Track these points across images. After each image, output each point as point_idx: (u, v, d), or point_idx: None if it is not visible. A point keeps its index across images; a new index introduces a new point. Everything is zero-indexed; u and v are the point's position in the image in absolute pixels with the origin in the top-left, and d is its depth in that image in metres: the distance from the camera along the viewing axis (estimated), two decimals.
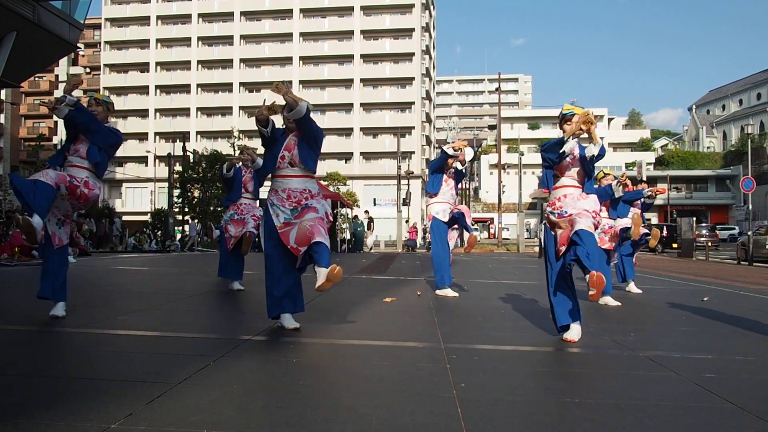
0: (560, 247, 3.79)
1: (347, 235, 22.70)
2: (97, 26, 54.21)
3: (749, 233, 17.49)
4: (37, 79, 54.28)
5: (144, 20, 52.43)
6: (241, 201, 6.57)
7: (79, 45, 14.41)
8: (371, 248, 24.30)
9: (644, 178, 44.26)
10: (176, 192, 31.20)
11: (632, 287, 7.09)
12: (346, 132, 49.60)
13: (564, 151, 3.83)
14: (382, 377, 2.67)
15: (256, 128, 4.11)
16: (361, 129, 49.27)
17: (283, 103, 3.95)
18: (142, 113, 51.77)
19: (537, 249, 21.43)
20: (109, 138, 4.20)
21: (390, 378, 2.66)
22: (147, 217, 34.92)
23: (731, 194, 47.39)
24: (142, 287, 6.36)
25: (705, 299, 6.15)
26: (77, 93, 4.53)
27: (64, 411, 2.07)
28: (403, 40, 49.58)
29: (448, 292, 6.12)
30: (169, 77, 52.10)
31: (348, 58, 50.20)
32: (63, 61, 52.42)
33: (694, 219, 21.89)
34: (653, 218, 48.62)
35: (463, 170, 6.53)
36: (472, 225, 6.45)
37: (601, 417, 2.21)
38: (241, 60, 51.40)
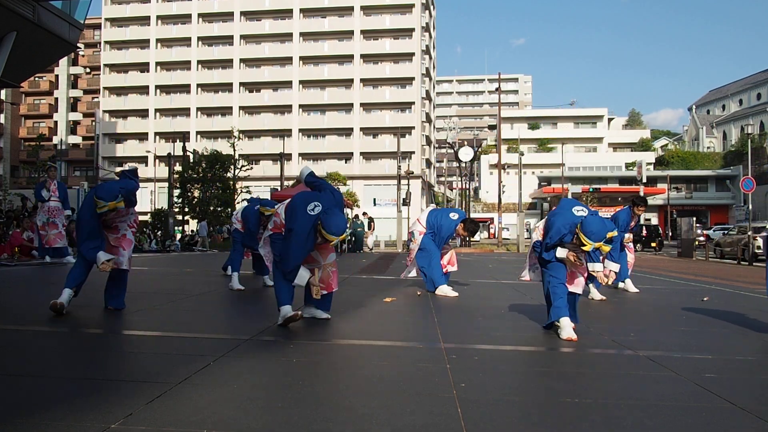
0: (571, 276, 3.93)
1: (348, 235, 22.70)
2: (97, 26, 54.19)
3: (749, 233, 17.50)
4: (37, 79, 54.22)
5: (144, 20, 52.42)
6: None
7: (79, 45, 14.41)
8: (371, 248, 24.30)
9: (644, 179, 44.34)
10: (176, 192, 31.20)
11: (629, 285, 7.11)
12: (346, 132, 49.60)
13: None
14: (382, 377, 2.67)
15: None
16: (361, 129, 49.27)
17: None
18: (142, 113, 51.77)
19: None
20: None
21: (390, 378, 2.66)
22: (147, 217, 34.96)
23: (731, 194, 47.39)
24: (142, 287, 6.36)
25: (705, 299, 6.14)
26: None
27: (64, 411, 2.07)
28: (403, 40, 49.59)
29: (448, 291, 6.11)
30: (169, 77, 52.10)
31: (348, 58, 50.20)
32: (63, 61, 52.46)
33: (694, 219, 21.89)
34: (653, 219, 48.65)
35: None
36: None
37: (601, 417, 2.21)
38: (241, 60, 51.40)
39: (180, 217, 30.54)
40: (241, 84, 51.13)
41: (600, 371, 2.99)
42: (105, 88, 52.20)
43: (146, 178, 47.35)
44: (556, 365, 3.21)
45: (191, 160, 32.04)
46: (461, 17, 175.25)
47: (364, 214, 25.24)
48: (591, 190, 43.28)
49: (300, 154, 47.91)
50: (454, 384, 2.56)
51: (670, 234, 40.17)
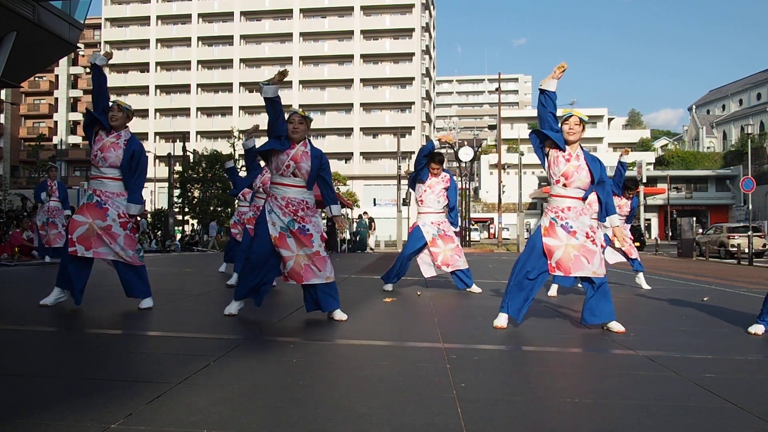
0: (551, 262, 3.95)
1: (347, 236, 22.71)
2: (97, 26, 54.20)
3: (749, 233, 17.51)
4: (37, 79, 54.23)
5: (144, 20, 52.44)
6: (257, 203, 6.62)
7: (79, 45, 14.41)
8: (372, 249, 24.31)
9: (644, 179, 44.34)
10: (176, 192, 31.20)
11: (641, 280, 7.40)
12: (346, 132, 49.61)
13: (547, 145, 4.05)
14: (382, 377, 2.67)
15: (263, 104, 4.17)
16: (361, 129, 49.27)
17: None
18: (142, 113, 51.77)
19: None
20: None
21: (390, 378, 2.66)
22: (147, 217, 34.90)
23: (731, 194, 47.37)
24: None
25: (705, 299, 6.15)
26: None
27: (64, 411, 2.07)
28: (403, 40, 49.60)
29: (388, 287, 6.32)
30: (169, 77, 52.11)
31: (348, 58, 50.21)
32: (63, 61, 52.44)
33: (694, 219, 21.89)
34: (653, 218, 48.67)
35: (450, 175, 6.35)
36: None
37: (601, 417, 2.21)
38: (241, 60, 51.41)
39: (180, 217, 30.52)
40: (241, 84, 51.14)
41: (600, 371, 2.99)
42: None
43: (146, 178, 47.39)
44: (556, 365, 3.21)
45: (191, 160, 32.04)
46: (461, 17, 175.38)
47: (365, 213, 25.27)
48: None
49: None
50: (454, 384, 2.56)
51: (670, 234, 40.18)
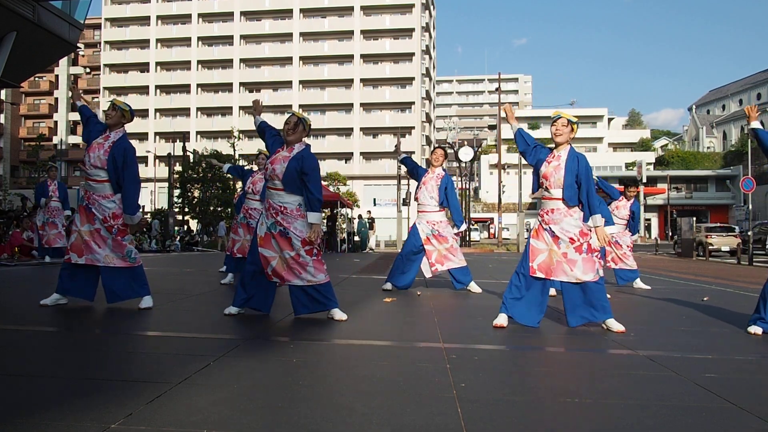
0: (532, 264, 4.01)
1: (346, 235, 22.73)
2: (97, 26, 54.21)
3: (749, 233, 17.52)
4: (37, 79, 54.27)
5: (144, 20, 52.44)
6: (250, 204, 6.63)
7: (79, 45, 14.41)
8: (372, 248, 24.31)
9: (644, 179, 44.34)
10: (176, 192, 31.20)
11: (639, 283, 7.44)
12: (346, 132, 49.60)
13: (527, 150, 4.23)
14: (382, 377, 2.67)
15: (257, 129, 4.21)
16: (361, 129, 49.26)
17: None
18: (142, 113, 51.77)
19: None
20: None
21: (390, 378, 2.66)
22: (147, 217, 34.88)
23: (731, 194, 47.37)
24: None
25: (705, 299, 6.14)
26: (84, 93, 4.63)
27: (64, 411, 2.07)
28: (403, 40, 49.59)
29: (387, 286, 6.34)
30: (169, 77, 52.11)
31: (348, 58, 50.20)
32: (63, 61, 52.47)
33: (694, 219, 21.90)
34: (653, 218, 48.67)
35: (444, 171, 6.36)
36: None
37: (601, 417, 2.21)
38: (241, 60, 51.40)
39: (180, 217, 30.52)
40: (241, 84, 51.14)
41: (600, 371, 2.99)
42: (105, 88, 52.21)
43: (146, 178, 47.38)
44: (556, 365, 3.21)
45: (191, 160, 32.05)
46: (461, 17, 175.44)
47: (368, 212, 25.28)
48: None
49: None
50: (454, 384, 2.56)
51: (671, 234, 40.14)
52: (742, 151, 44.29)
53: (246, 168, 7.08)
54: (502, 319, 4.08)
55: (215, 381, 2.53)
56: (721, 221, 43.61)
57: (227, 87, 51.31)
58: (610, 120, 64.06)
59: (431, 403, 2.28)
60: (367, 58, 50.05)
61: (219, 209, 31.62)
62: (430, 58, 54.96)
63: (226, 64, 51.41)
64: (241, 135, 35.81)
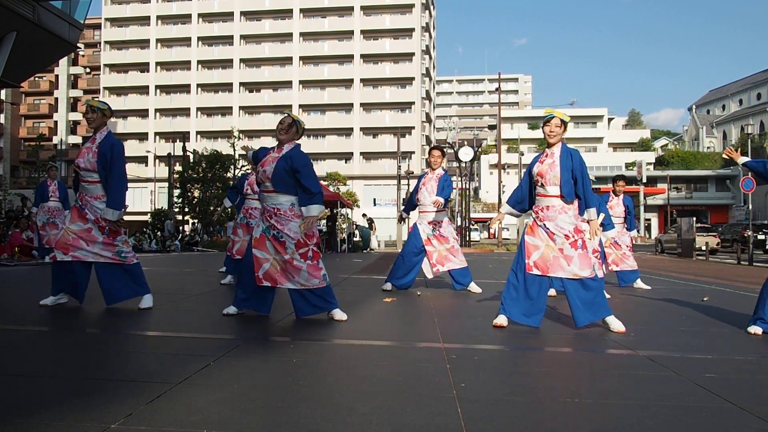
0: (528, 261, 4.02)
1: (346, 235, 22.74)
2: (97, 26, 54.20)
3: (749, 233, 17.52)
4: (37, 79, 54.28)
5: (144, 20, 52.42)
6: (250, 204, 6.66)
7: (79, 45, 14.41)
8: (372, 248, 24.33)
9: (644, 179, 44.35)
10: (176, 192, 31.20)
11: (639, 283, 7.44)
12: (346, 132, 49.58)
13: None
14: (382, 377, 2.67)
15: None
16: (361, 129, 49.24)
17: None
18: (142, 113, 51.77)
19: None
20: None
21: (390, 378, 2.66)
22: (147, 217, 34.88)
23: (731, 194, 47.38)
24: None
25: (705, 299, 6.14)
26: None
27: (64, 411, 2.07)
28: (403, 40, 49.58)
29: (387, 286, 6.35)
30: (169, 77, 52.09)
31: (348, 58, 50.19)
32: (63, 61, 52.50)
33: (694, 219, 21.91)
34: (653, 219, 48.68)
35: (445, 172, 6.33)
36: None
37: (601, 417, 2.22)
38: (241, 60, 51.38)
39: (180, 217, 30.51)
40: (241, 84, 51.12)
41: (600, 371, 2.99)
42: (105, 88, 52.19)
43: (146, 178, 47.42)
44: (556, 365, 3.21)
45: (191, 160, 32.03)
46: (461, 17, 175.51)
47: (364, 215, 25.31)
48: None
49: None
50: (454, 384, 2.56)
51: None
52: (742, 151, 44.26)
53: (241, 174, 7.18)
54: (501, 319, 4.09)
55: (215, 381, 2.53)
56: (721, 221, 43.68)
57: (227, 87, 51.29)
58: (610, 120, 64.07)
59: (431, 403, 2.28)
60: (367, 58, 50.04)
61: (219, 209, 31.60)
62: (430, 58, 54.95)
63: (226, 64, 51.40)
64: (241, 135, 35.77)
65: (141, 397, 2.23)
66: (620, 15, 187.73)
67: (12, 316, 4.18)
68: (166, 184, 34.51)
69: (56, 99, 57.11)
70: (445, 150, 6.52)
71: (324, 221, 21.88)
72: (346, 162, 48.46)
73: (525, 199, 4.26)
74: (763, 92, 55.16)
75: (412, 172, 36.52)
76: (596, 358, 3.34)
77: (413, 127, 48.37)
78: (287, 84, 50.67)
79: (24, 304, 4.71)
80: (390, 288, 6.36)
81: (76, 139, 56.27)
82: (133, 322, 4.06)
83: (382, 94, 49.32)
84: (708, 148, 57.91)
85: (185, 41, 52.16)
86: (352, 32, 50.07)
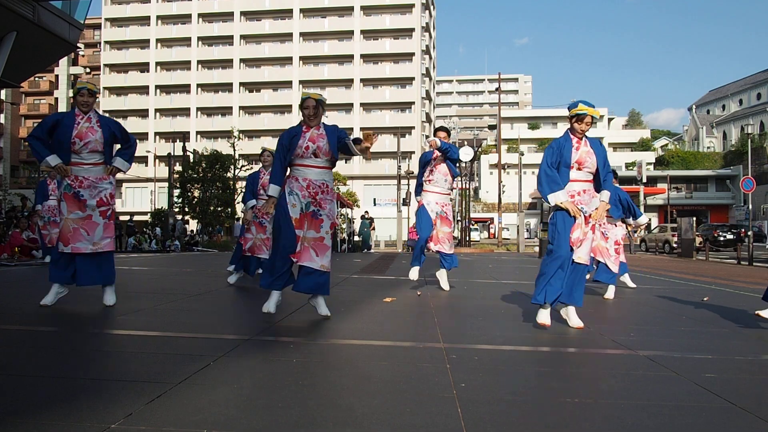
0: (571, 236, 4.01)
1: (346, 235, 22.73)
2: (97, 26, 54.21)
3: (749, 233, 17.52)
4: (37, 79, 54.23)
5: (144, 20, 52.44)
6: (262, 204, 6.68)
7: (79, 45, 14.41)
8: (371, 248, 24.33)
9: (644, 179, 44.36)
10: (176, 192, 31.18)
11: (627, 280, 7.32)
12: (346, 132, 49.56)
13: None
14: (382, 377, 2.67)
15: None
16: (361, 129, 49.18)
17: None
18: (142, 113, 51.78)
19: (537, 249, 21.42)
20: None
21: (390, 378, 2.66)
22: (147, 217, 34.89)
23: (731, 194, 47.38)
24: (142, 287, 6.36)
25: (705, 299, 6.14)
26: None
27: (64, 411, 2.07)
28: (403, 40, 49.59)
29: (414, 275, 6.28)
30: (169, 77, 52.10)
31: (348, 58, 50.20)
32: (63, 61, 52.42)
33: (694, 219, 21.92)
34: (653, 218, 48.65)
35: (453, 151, 6.31)
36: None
37: (601, 417, 2.22)
38: (241, 60, 51.40)
39: (180, 217, 30.50)
40: (241, 84, 51.13)
41: (600, 371, 2.99)
42: (105, 88, 52.20)
43: (146, 178, 47.41)
44: (556, 365, 3.21)
45: (191, 160, 32.02)
46: (462, 17, 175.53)
47: (366, 213, 25.30)
48: None
49: None
50: (454, 384, 2.56)
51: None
52: (742, 151, 44.28)
53: (250, 174, 7.13)
54: (543, 317, 4.03)
55: (215, 381, 2.53)
56: (722, 221, 43.70)
57: (227, 87, 51.30)
58: (610, 120, 64.08)
59: (431, 403, 2.28)
60: (367, 58, 50.05)
61: (219, 209, 31.60)
62: (430, 58, 54.96)
63: (226, 64, 51.41)
64: (241, 135, 35.77)
65: (141, 397, 2.23)
66: (621, 15, 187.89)
67: (12, 316, 4.18)
68: (166, 184, 34.47)
69: (56, 99, 57.07)
70: (450, 131, 6.59)
71: None
72: (346, 162, 48.42)
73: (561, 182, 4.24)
74: (763, 92, 55.14)
75: (412, 172, 36.51)
76: (596, 358, 3.34)
77: (413, 127, 48.39)
78: (287, 84, 50.68)
79: (24, 304, 4.71)
80: (417, 276, 6.32)
81: None
82: (133, 322, 4.06)
83: (382, 94, 49.34)
84: (708, 148, 57.90)
85: (185, 41, 52.18)
86: (352, 32, 50.09)
